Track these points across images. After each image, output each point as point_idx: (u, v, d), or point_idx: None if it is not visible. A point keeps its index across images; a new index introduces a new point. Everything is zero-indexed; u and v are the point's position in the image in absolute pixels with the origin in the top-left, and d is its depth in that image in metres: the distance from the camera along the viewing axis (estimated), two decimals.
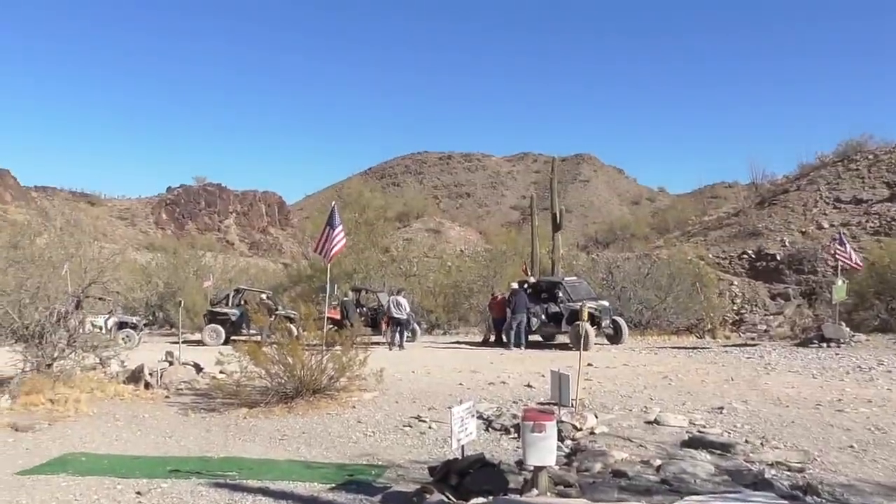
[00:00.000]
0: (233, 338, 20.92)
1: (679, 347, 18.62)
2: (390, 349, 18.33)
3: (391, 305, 19.18)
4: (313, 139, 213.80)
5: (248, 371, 9.82)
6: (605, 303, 19.76)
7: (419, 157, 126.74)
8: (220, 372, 11.22)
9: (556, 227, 25.27)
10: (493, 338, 19.90)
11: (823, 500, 5.48)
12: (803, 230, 32.29)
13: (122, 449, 7.61)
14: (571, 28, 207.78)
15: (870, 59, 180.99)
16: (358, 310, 20.76)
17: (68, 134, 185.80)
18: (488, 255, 31.07)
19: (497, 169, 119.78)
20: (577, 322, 17.21)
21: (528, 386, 11.34)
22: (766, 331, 22.15)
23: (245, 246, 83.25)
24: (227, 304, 22.51)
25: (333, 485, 6.02)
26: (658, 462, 6.43)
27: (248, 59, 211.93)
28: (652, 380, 11.99)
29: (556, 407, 8.11)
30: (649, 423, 8.27)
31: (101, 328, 17.29)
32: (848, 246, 18.86)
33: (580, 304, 17.88)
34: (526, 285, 20.02)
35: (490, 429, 8.23)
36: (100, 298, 13.79)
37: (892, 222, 30.14)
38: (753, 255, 31.55)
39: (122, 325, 20.57)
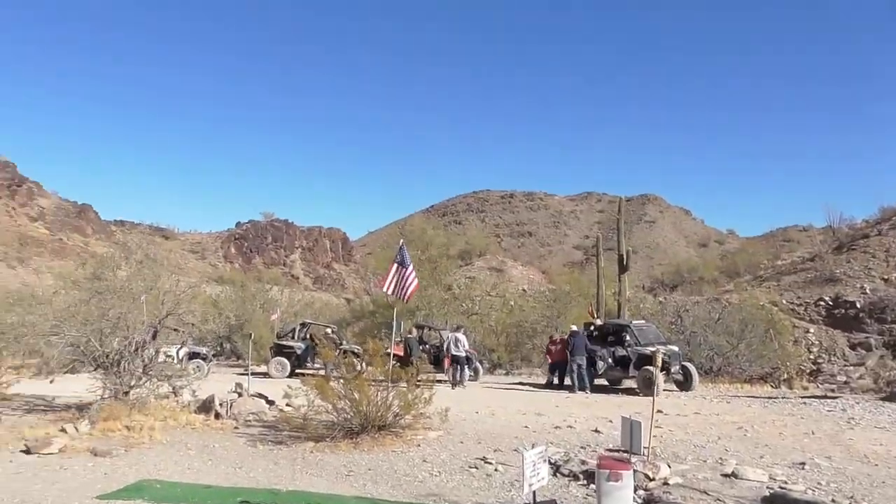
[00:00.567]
0: (298, 371, 21.24)
1: (753, 397, 17.85)
2: (453, 387, 18.22)
3: (450, 343, 19.14)
4: (377, 176, 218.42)
5: (315, 405, 9.90)
6: (675, 347, 19.20)
7: (481, 196, 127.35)
8: (287, 405, 11.36)
9: (623, 268, 24.82)
10: (556, 380, 19.57)
11: None
12: (885, 277, 30.81)
13: (194, 478, 7.75)
14: (636, 69, 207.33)
15: None
16: (421, 347, 20.78)
17: (145, 171, 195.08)
18: (552, 295, 30.73)
19: (559, 208, 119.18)
20: (646, 367, 16.83)
21: (596, 431, 11.05)
22: (846, 382, 21.05)
23: (309, 280, 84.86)
24: (292, 338, 22.89)
25: None
26: None
27: (315, 102, 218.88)
28: (726, 430, 11.51)
29: (627, 455, 7.86)
30: (726, 475, 7.91)
31: (173, 358, 17.83)
32: None
33: (649, 348, 17.56)
34: (592, 327, 19.68)
35: (558, 474, 8.02)
36: (174, 329, 14.20)
37: None
38: (831, 302, 30.22)
39: (192, 356, 21.11)
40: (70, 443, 9.20)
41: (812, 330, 29.09)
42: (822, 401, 16.50)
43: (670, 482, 7.57)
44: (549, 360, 19.90)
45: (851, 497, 7.11)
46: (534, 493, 5.63)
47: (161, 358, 13.41)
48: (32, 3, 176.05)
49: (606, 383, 19.47)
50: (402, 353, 18.78)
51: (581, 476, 7.81)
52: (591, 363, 18.50)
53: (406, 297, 13.09)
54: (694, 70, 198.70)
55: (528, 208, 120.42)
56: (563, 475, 8.00)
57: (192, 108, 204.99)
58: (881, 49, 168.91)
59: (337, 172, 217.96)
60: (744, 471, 8.00)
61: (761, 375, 22.82)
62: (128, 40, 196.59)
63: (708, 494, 7.11)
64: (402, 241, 13.53)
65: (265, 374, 21.37)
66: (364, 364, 12.29)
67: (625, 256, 24.92)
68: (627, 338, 18.55)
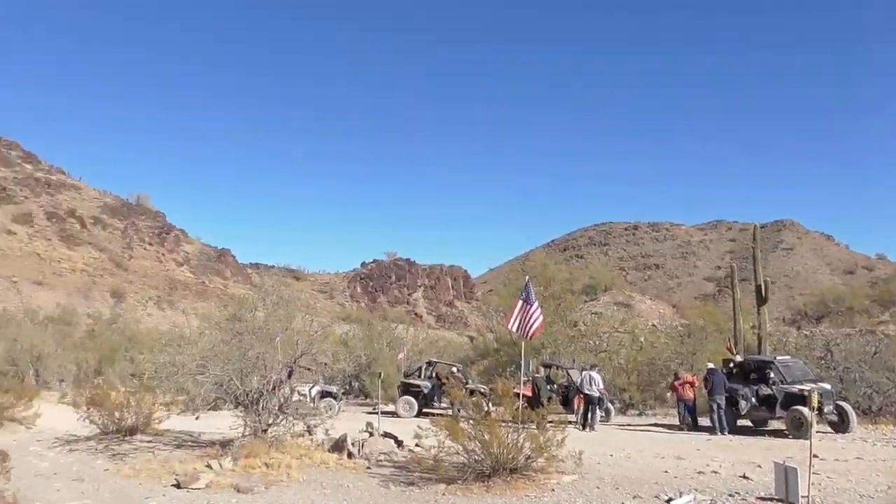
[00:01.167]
0: (425, 410, 21.31)
1: None
2: (583, 429, 17.62)
3: (584, 381, 18.57)
4: (496, 212, 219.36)
5: (446, 446, 9.81)
6: (827, 385, 17.61)
7: (603, 228, 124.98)
8: (417, 445, 11.35)
9: (762, 300, 23.30)
10: (689, 420, 18.47)
11: None
12: None
13: None
14: (763, 92, 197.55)
15: None
16: (549, 386, 20.29)
17: (278, 216, 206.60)
18: (684, 331, 29.27)
19: (687, 238, 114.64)
20: (795, 406, 15.59)
21: (745, 478, 10.21)
22: None
23: (432, 318, 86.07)
24: (419, 377, 23.09)
25: None
26: None
27: (429, 145, 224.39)
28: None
29: None
30: None
31: (306, 396, 18.42)
32: None
33: (797, 385, 16.23)
34: (731, 364, 18.50)
35: None
36: (307, 368, 14.67)
37: None
38: None
39: (324, 394, 21.74)
40: (215, 479, 9.62)
41: None
42: None
43: None
44: (676, 399, 18.92)
45: None
46: None
47: (295, 396, 13.87)
48: (191, 84, 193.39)
49: (750, 424, 18.15)
50: (530, 393, 18.38)
51: None
52: (732, 403, 17.34)
53: (531, 335, 12.88)
54: (833, 82, 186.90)
55: (654, 239, 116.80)
56: None
57: (314, 163, 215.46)
58: None
59: (457, 209, 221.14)
60: None
61: None
62: (256, 107, 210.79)
63: None
64: (527, 277, 13.35)
65: (393, 413, 21.61)
66: (491, 404, 12.12)
67: (763, 287, 23.41)
68: (772, 375, 17.25)
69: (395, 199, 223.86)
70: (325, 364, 15.15)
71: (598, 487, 9.41)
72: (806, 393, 11.08)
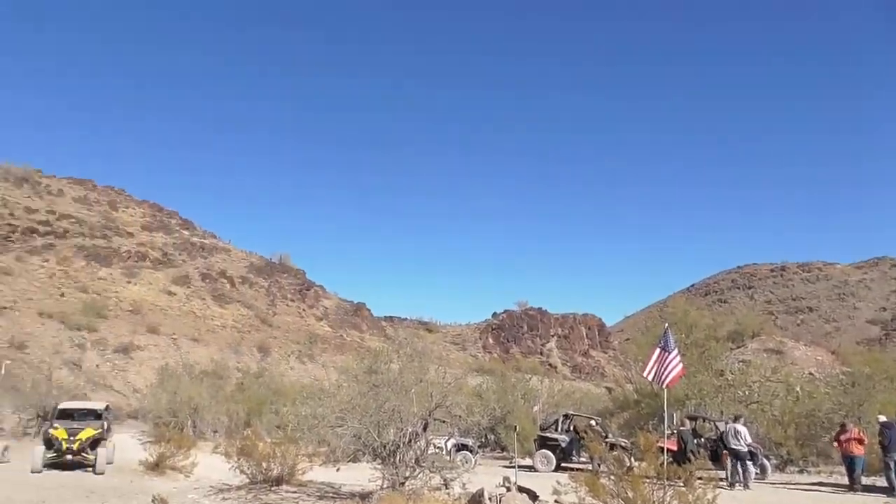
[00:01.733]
0: (563, 464, 20.65)
1: None
2: (731, 487, 16.29)
3: (729, 435, 17.29)
4: (630, 258, 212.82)
5: (586, 503, 9.37)
6: None
7: (747, 271, 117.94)
8: (557, 501, 10.94)
9: None
10: (858, 479, 16.60)
11: None
12: None
13: None
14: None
15: None
16: (696, 440, 19.03)
17: (410, 270, 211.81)
18: (848, 379, 26.65)
19: (844, 278, 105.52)
20: None
21: None
22: None
23: (567, 369, 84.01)
24: (556, 430, 22.49)
25: None
26: None
27: (564, 191, 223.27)
28: None
29: None
30: None
31: (441, 449, 18.40)
32: None
33: None
34: None
35: None
36: (442, 421, 14.69)
37: None
38: None
39: (460, 447, 21.63)
40: None
41: None
42: None
43: None
44: (842, 455, 17.12)
45: None
46: None
47: (431, 449, 13.88)
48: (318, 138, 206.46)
49: None
50: (675, 448, 17.33)
51: None
52: None
53: (669, 383, 12.23)
54: None
55: (805, 280, 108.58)
56: None
57: (452, 213, 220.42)
58: None
59: (589, 255, 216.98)
60: None
61: None
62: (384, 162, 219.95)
63: None
64: (666, 324, 12.74)
65: (530, 468, 21.09)
66: (633, 459, 11.51)
67: None
68: None
69: (526, 249, 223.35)
70: (460, 416, 15.06)
71: None
72: None
